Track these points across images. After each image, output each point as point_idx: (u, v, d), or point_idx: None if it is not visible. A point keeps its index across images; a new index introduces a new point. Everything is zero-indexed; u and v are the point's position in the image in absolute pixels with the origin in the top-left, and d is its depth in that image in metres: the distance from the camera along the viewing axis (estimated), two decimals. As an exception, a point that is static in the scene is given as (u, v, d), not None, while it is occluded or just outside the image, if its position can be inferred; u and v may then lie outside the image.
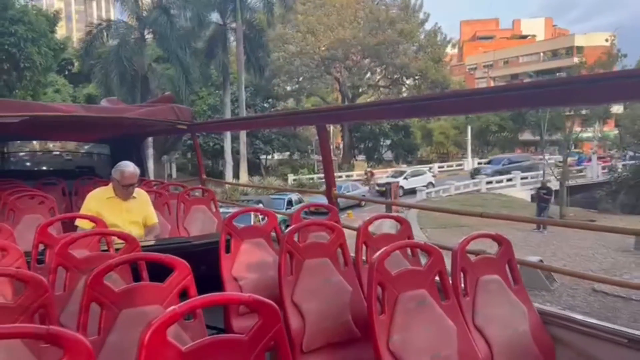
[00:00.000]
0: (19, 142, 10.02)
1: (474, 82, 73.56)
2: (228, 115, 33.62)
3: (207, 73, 33.64)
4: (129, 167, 4.09)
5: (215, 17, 31.98)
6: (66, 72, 39.68)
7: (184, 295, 2.18)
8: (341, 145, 50.78)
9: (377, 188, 32.25)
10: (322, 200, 4.94)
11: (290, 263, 2.82)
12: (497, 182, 32.99)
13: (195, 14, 28.20)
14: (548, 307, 2.72)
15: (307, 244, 3.02)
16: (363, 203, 27.12)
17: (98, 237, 3.23)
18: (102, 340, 2.04)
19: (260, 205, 21.40)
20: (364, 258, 3.18)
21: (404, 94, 45.70)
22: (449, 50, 53.05)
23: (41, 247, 3.18)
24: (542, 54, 68.82)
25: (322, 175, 26.85)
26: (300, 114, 6.86)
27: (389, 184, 28.73)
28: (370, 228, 3.40)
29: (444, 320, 2.29)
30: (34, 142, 14.87)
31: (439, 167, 44.90)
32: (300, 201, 25.37)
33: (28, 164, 9.92)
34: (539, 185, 30.15)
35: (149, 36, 27.28)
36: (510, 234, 5.66)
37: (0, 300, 2.23)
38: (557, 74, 54.92)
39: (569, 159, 34.51)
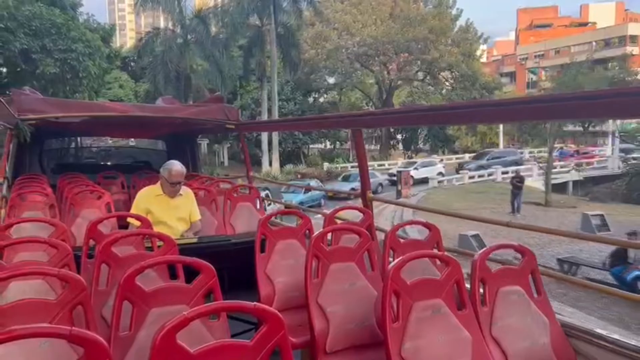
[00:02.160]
0: (82, 138, 10.49)
1: (524, 73, 73.42)
2: (265, 109, 36.33)
3: (248, 69, 37.96)
4: (176, 165, 4.28)
5: (254, 20, 36.23)
6: (129, 68, 43.29)
7: (210, 295, 2.31)
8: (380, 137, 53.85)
9: (388, 177, 33.56)
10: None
11: (316, 266, 2.85)
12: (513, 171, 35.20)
13: (232, 22, 31.57)
14: (572, 319, 2.68)
15: (333, 248, 3.05)
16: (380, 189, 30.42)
17: (142, 236, 3.38)
18: (133, 336, 2.17)
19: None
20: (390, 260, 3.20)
21: (434, 87, 48.53)
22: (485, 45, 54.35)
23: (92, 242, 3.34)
24: (594, 43, 68.15)
25: (355, 164, 29.72)
26: (336, 118, 7.06)
27: (399, 172, 29.93)
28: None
29: (459, 330, 2.29)
30: (95, 138, 15.70)
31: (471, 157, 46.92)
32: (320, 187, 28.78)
33: (90, 158, 10.33)
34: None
35: (192, 39, 31.96)
36: (484, 215, 5.68)
37: (51, 295, 2.37)
38: (610, 63, 54.72)
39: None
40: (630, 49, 60.70)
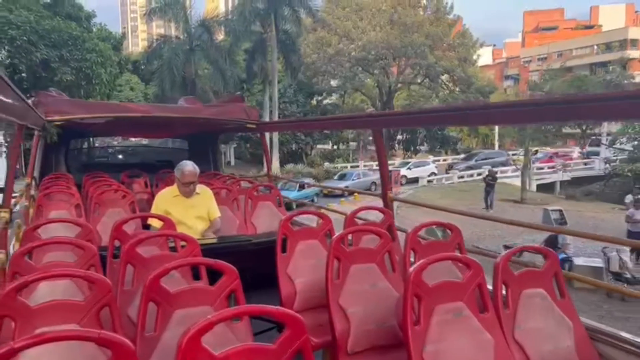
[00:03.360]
0: (106, 137, 10.60)
1: (528, 75, 74.81)
2: (267, 111, 37.20)
3: (252, 73, 40.21)
4: (187, 166, 4.28)
5: (256, 27, 38.32)
6: (140, 71, 45.35)
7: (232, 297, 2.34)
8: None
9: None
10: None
11: (337, 267, 2.86)
12: (502, 172, 36.08)
13: (234, 30, 33.99)
14: (596, 323, 2.62)
15: (354, 249, 3.05)
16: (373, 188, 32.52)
17: (166, 236, 3.42)
18: (158, 336, 2.21)
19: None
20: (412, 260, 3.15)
21: (431, 91, 49.13)
22: (481, 50, 55.67)
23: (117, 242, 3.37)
24: (595, 47, 66.90)
25: (354, 163, 31.25)
26: (357, 118, 7.04)
27: (390, 172, 33.35)
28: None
29: (481, 332, 2.28)
30: (118, 137, 16.28)
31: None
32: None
33: (113, 157, 10.48)
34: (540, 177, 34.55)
35: (197, 46, 34.51)
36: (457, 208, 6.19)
37: (78, 295, 2.45)
38: (611, 67, 55.97)
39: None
40: (630, 52, 61.93)
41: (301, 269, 3.37)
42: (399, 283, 2.87)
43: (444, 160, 43.94)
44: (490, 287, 2.48)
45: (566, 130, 56.34)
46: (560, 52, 69.96)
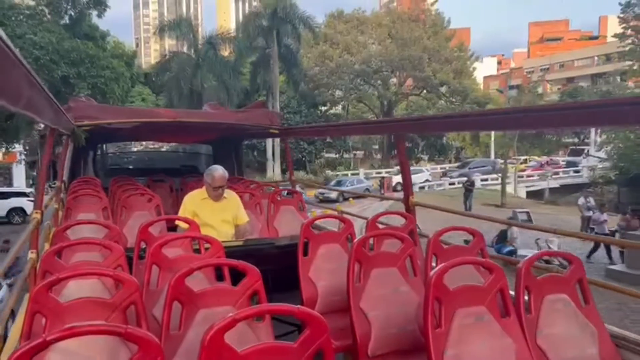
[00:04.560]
0: (132, 142, 10.46)
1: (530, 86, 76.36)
2: None
3: (255, 86, 40.88)
4: (218, 170, 4.37)
5: (260, 42, 39.25)
6: (151, 83, 48.09)
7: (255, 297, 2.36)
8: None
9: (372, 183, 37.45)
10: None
11: (358, 271, 2.87)
12: (492, 179, 37.62)
13: (238, 47, 37.07)
14: (622, 330, 2.56)
15: (375, 253, 3.05)
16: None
17: (190, 238, 3.46)
18: (183, 335, 2.24)
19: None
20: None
21: (428, 102, 50.97)
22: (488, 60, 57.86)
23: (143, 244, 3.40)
24: (596, 58, 67.64)
25: (355, 171, 33.35)
26: (380, 123, 6.82)
27: (382, 178, 35.29)
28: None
29: (503, 337, 2.25)
30: (144, 142, 16.58)
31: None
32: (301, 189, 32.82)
33: (140, 161, 10.53)
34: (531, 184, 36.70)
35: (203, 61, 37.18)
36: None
37: (105, 294, 2.49)
38: (611, 78, 57.52)
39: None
40: (628, 63, 63.53)
41: (323, 272, 3.39)
42: (420, 288, 2.82)
43: (441, 168, 46.18)
44: (512, 292, 2.46)
45: (566, 139, 57.95)
46: (562, 63, 70.79)
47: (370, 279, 2.88)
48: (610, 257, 15.69)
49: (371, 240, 3.49)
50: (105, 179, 7.15)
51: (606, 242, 16.05)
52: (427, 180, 38.59)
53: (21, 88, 1.70)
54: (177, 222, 4.29)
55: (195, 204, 4.44)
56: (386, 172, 42.76)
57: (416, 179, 38.27)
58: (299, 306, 1.68)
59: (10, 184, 30.85)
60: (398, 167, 46.58)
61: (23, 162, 32.59)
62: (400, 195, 4.55)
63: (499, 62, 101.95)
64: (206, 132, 7.29)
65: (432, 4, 56.46)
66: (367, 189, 35.07)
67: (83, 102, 6.10)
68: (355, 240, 3.01)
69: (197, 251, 3.36)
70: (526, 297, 2.48)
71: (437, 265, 2.83)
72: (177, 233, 3.94)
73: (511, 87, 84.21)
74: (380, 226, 4.14)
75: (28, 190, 28.11)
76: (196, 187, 4.97)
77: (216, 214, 4.44)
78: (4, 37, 1.10)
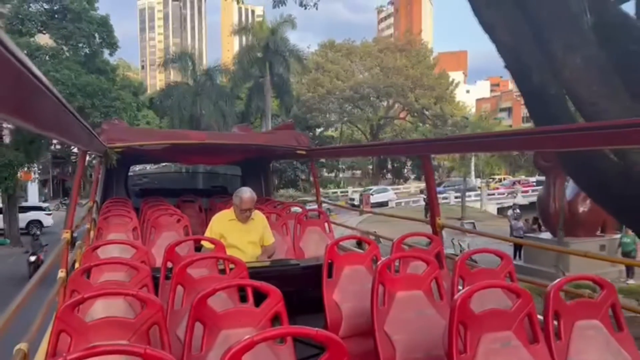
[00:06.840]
0: (162, 164, 10.75)
1: (520, 108, 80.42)
2: None
3: (250, 111, 44.41)
4: (246, 193, 4.43)
5: (254, 71, 42.67)
6: (155, 107, 51.58)
7: (277, 319, 2.37)
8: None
9: (349, 201, 42.38)
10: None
11: (383, 293, 2.83)
12: (467, 196, 40.92)
13: (233, 77, 41.66)
14: None
15: (400, 276, 3.05)
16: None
17: (215, 259, 3.50)
18: (204, 356, 2.25)
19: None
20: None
21: (415, 124, 55.76)
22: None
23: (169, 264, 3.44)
24: None
25: (344, 189, 37.10)
26: (405, 144, 6.98)
27: (361, 195, 40.58)
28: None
29: None
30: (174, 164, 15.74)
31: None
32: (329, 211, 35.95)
33: (170, 182, 10.71)
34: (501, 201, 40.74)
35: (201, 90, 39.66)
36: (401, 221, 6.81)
37: (130, 314, 2.55)
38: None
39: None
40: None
41: (347, 294, 3.36)
42: (446, 311, 2.67)
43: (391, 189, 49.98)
44: (540, 317, 2.40)
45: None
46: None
47: (395, 302, 2.85)
48: (520, 256, 19.37)
49: (397, 262, 3.45)
50: (136, 200, 7.39)
51: (509, 241, 20.02)
52: (393, 199, 43.81)
53: (58, 117, 1.80)
54: (202, 242, 4.34)
55: (222, 225, 4.51)
56: (367, 189, 47.37)
57: (382, 197, 43.11)
58: (317, 329, 1.66)
59: (26, 200, 34.12)
60: (382, 186, 51.38)
61: (37, 181, 37.08)
62: (375, 210, 4.46)
63: (497, 84, 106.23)
64: (235, 153, 7.45)
65: (418, 34, 61.49)
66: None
67: (115, 125, 6.37)
68: (380, 262, 3.00)
69: (223, 271, 3.38)
70: (555, 323, 2.42)
71: (463, 288, 2.79)
72: (202, 253, 4.01)
73: (501, 110, 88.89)
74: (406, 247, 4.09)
75: (44, 205, 32.65)
76: (224, 208, 5.08)
77: (243, 235, 4.49)
78: (40, 75, 1.21)
